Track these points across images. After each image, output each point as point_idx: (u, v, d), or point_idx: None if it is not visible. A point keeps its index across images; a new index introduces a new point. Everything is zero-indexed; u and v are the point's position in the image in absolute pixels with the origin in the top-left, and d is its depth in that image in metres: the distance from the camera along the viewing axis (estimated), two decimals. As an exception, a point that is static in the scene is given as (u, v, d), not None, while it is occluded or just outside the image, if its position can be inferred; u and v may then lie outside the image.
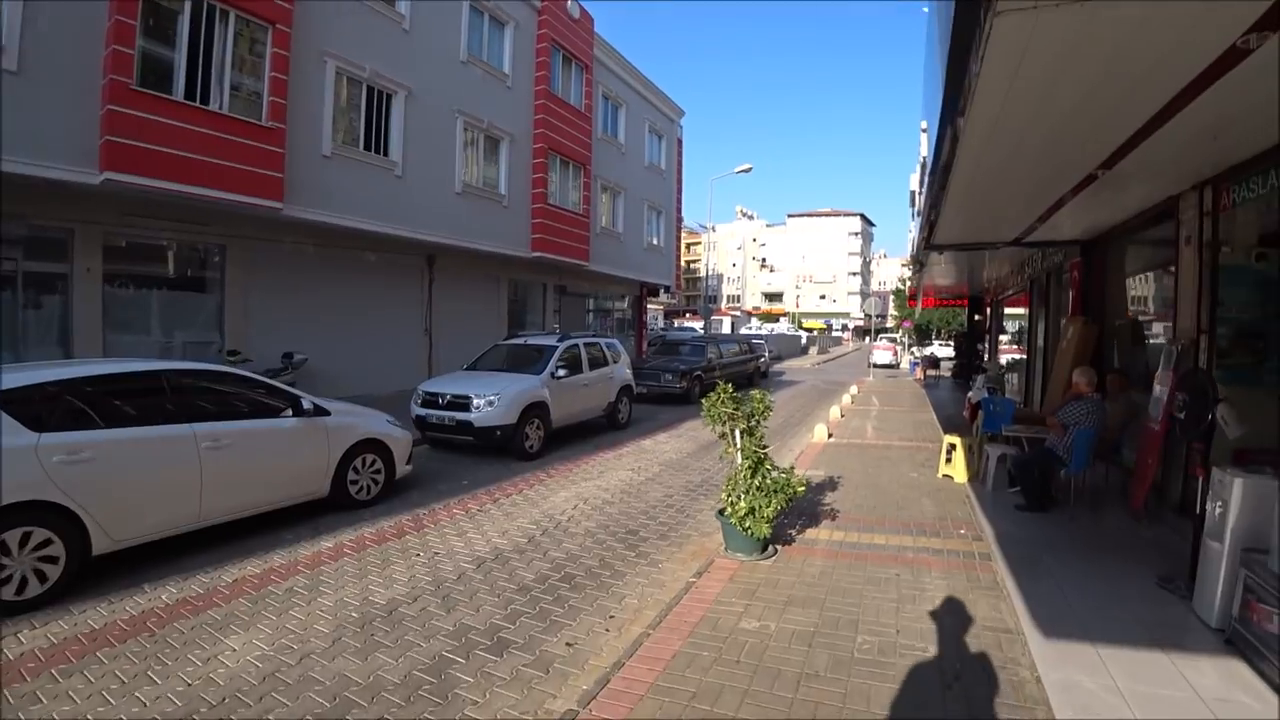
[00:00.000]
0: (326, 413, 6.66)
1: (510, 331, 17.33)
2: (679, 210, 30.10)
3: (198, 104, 10.43)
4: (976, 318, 23.37)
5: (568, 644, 4.11)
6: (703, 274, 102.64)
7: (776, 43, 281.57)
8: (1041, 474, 6.80)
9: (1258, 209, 5.59)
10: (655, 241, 27.67)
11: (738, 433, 5.47)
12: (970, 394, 11.71)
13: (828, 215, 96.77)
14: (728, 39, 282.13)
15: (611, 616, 4.52)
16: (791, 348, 45.09)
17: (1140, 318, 8.75)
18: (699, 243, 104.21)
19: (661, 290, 30.23)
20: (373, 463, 7.14)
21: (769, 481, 5.22)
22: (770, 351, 28.06)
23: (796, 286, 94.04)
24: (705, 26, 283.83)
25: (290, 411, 6.36)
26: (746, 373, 21.46)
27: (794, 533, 6.02)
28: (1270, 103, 4.19)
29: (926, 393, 19.30)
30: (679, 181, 29.88)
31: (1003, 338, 20.24)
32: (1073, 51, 3.34)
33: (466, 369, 11.34)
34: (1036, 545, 5.66)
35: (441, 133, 15.69)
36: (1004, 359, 19.65)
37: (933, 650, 3.86)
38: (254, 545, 5.72)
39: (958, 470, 8.16)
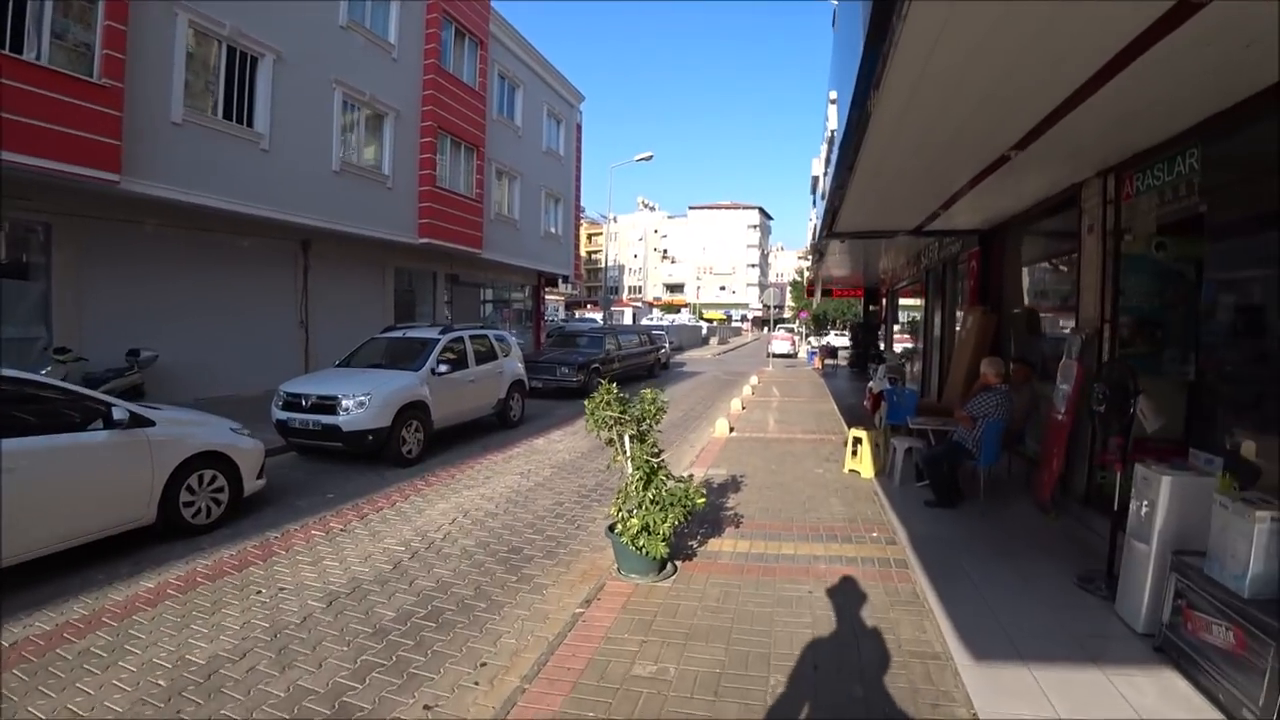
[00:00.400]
0: (149, 423, 5.53)
1: (398, 323, 16.12)
2: (578, 198, 29.31)
3: (7, 51, 8.83)
4: (872, 308, 23.86)
5: (426, 708, 3.32)
6: (604, 265, 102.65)
7: (678, 32, 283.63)
8: (950, 468, 6.57)
9: (1159, 197, 5.47)
10: (553, 230, 26.79)
11: (627, 439, 4.81)
12: (871, 384, 11.63)
13: (728, 208, 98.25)
14: (628, 27, 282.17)
15: (483, 664, 3.75)
16: (693, 338, 45.23)
17: (1037, 307, 8.77)
18: (600, 233, 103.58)
19: (560, 280, 29.42)
20: (213, 480, 6.02)
21: (665, 494, 4.59)
22: (671, 342, 27.81)
23: (697, 278, 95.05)
24: (604, 12, 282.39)
25: (101, 423, 5.27)
26: (647, 364, 21.03)
27: (695, 544, 5.46)
28: (1179, 88, 4.00)
29: (825, 382, 19.45)
30: (578, 169, 29.07)
31: (896, 327, 20.65)
32: (998, 24, 3.14)
33: (338, 366, 10.24)
34: (952, 547, 5.35)
35: (317, 104, 14.20)
36: (898, 348, 20.08)
37: (858, 690, 3.36)
38: (50, 593, 4.55)
39: (864, 465, 7.88)
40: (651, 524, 4.42)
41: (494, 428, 11.44)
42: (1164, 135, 5.11)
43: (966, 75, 3.85)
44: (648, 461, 4.71)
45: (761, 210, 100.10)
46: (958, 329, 10.64)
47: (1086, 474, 6.26)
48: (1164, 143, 5.20)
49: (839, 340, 43.32)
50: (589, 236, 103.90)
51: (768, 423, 11.84)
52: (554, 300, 68.37)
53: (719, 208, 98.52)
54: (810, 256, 15.48)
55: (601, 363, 16.72)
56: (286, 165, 13.27)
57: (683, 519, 4.58)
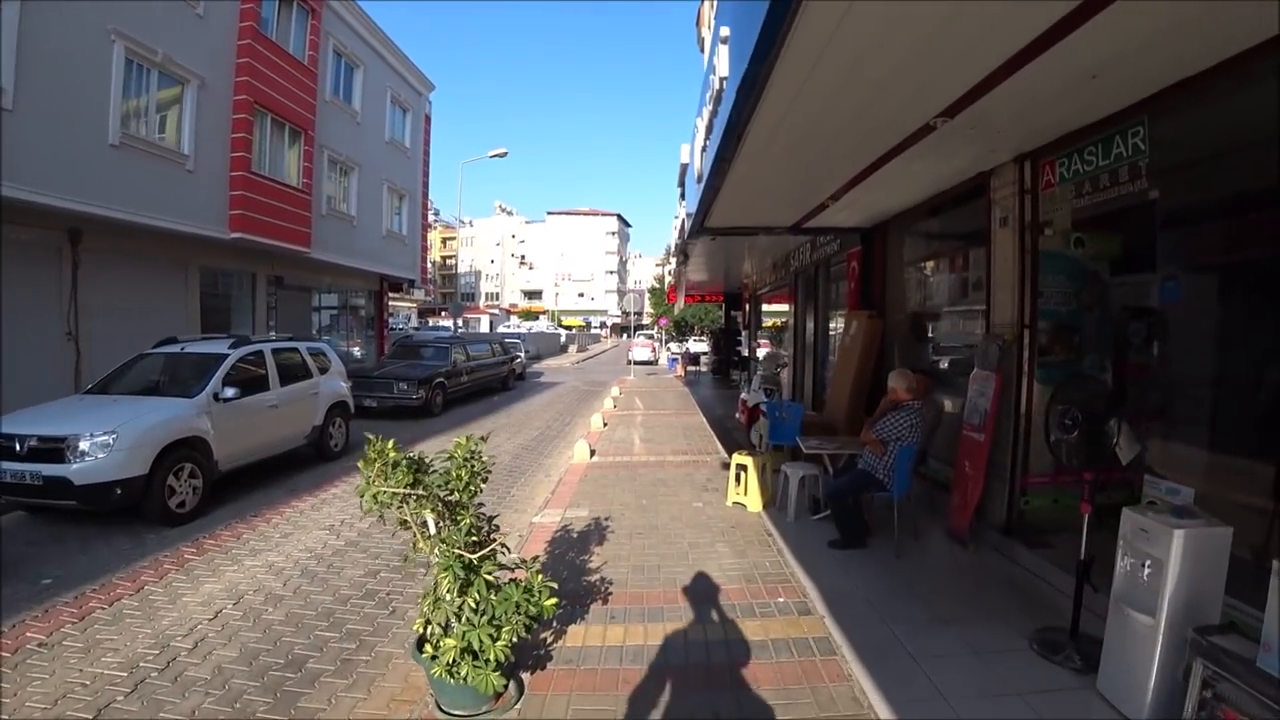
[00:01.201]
0: None
1: (207, 333, 13.42)
2: (426, 196, 26.92)
3: None
4: (734, 314, 23.38)
5: None
6: (455, 270, 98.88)
7: (539, 36, 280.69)
8: (855, 501, 5.51)
9: (1083, 186, 4.65)
10: (398, 229, 24.35)
11: (429, 521, 3.20)
12: (745, 395, 10.66)
13: (587, 214, 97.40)
14: (484, 27, 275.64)
15: None
16: (551, 346, 43.63)
17: (924, 311, 8.05)
18: (455, 238, 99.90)
19: (406, 285, 26.91)
20: None
21: (494, 601, 3.03)
22: (528, 351, 26.08)
23: (556, 284, 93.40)
24: (458, 11, 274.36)
25: None
26: (500, 376, 19.26)
27: (549, 636, 3.98)
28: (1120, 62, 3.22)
29: (690, 391, 18.56)
30: (426, 164, 26.67)
31: (759, 333, 20.18)
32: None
33: (87, 393, 7.86)
34: (877, 608, 4.20)
35: (87, 58, 11.13)
36: (761, 353, 19.55)
37: None
38: None
39: (751, 498, 6.69)
40: (479, 644, 2.85)
41: (310, 461, 9.34)
42: (1102, 113, 4.27)
43: (885, 40, 3.19)
44: (460, 558, 3.05)
45: (620, 217, 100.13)
46: (838, 335, 9.89)
47: (1007, 500, 5.40)
48: (1099, 121, 4.36)
49: (698, 346, 43.35)
50: (444, 241, 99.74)
51: (633, 442, 10.54)
52: (406, 307, 64.63)
53: (578, 214, 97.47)
54: (674, 259, 14.35)
55: (447, 376, 14.81)
56: (42, 132, 10.32)
57: (524, 632, 3.03)
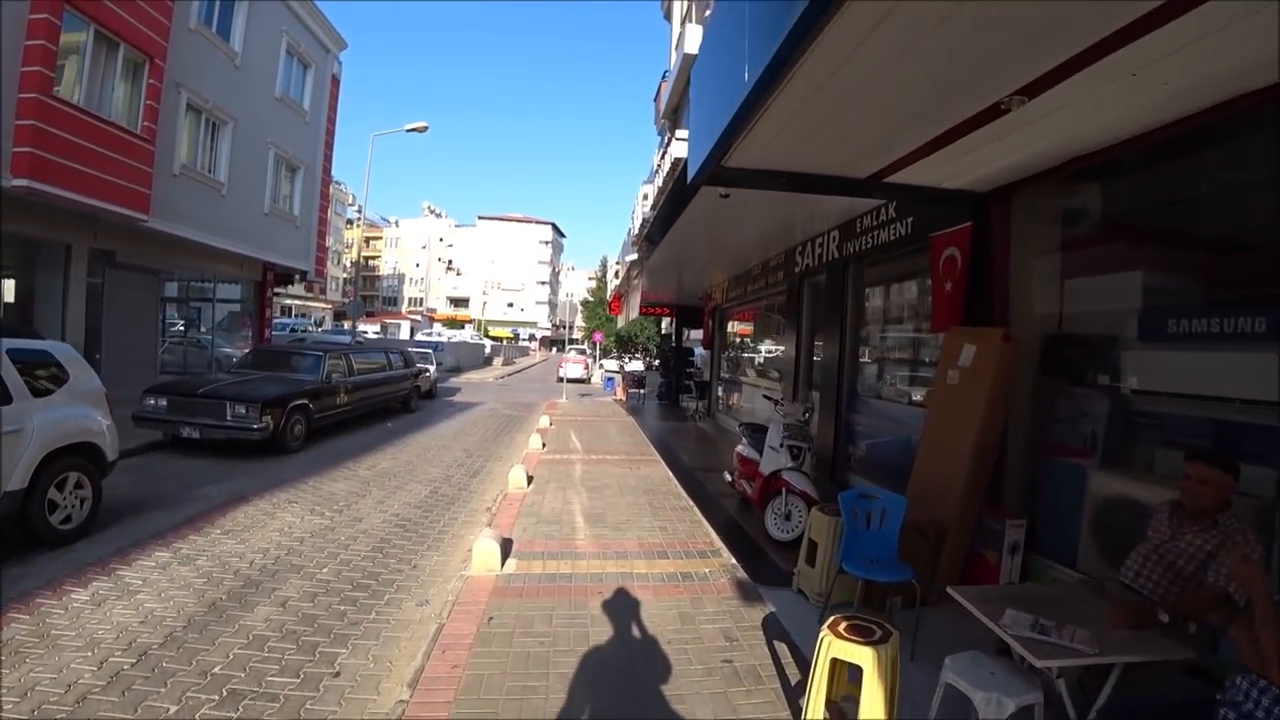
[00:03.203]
0: None
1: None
2: (328, 173, 22.48)
3: None
4: (695, 333, 19.93)
5: None
6: (383, 273, 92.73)
7: (474, 30, 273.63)
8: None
9: None
10: (287, 208, 19.94)
11: None
12: (744, 449, 7.01)
13: (520, 221, 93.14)
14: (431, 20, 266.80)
15: None
16: (474, 358, 39.25)
17: (1081, 334, 4.70)
18: (380, 237, 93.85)
19: (298, 278, 22.35)
20: None
21: None
22: (442, 363, 21.90)
23: (484, 292, 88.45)
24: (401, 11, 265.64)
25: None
26: (400, 395, 15.05)
27: None
28: None
29: (636, 421, 14.85)
30: (330, 135, 22.29)
31: (727, 356, 16.65)
32: None
33: None
34: None
35: None
36: (719, 388, 16.03)
37: None
38: None
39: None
40: None
41: (12, 546, 5.24)
42: None
43: None
44: None
45: (555, 226, 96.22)
46: (882, 363, 6.46)
47: None
48: None
49: (632, 366, 39.88)
50: (367, 240, 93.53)
51: (574, 525, 6.49)
52: (320, 308, 58.78)
53: (511, 220, 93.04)
54: (628, 255, 10.62)
55: (313, 396, 10.65)
56: None
57: None
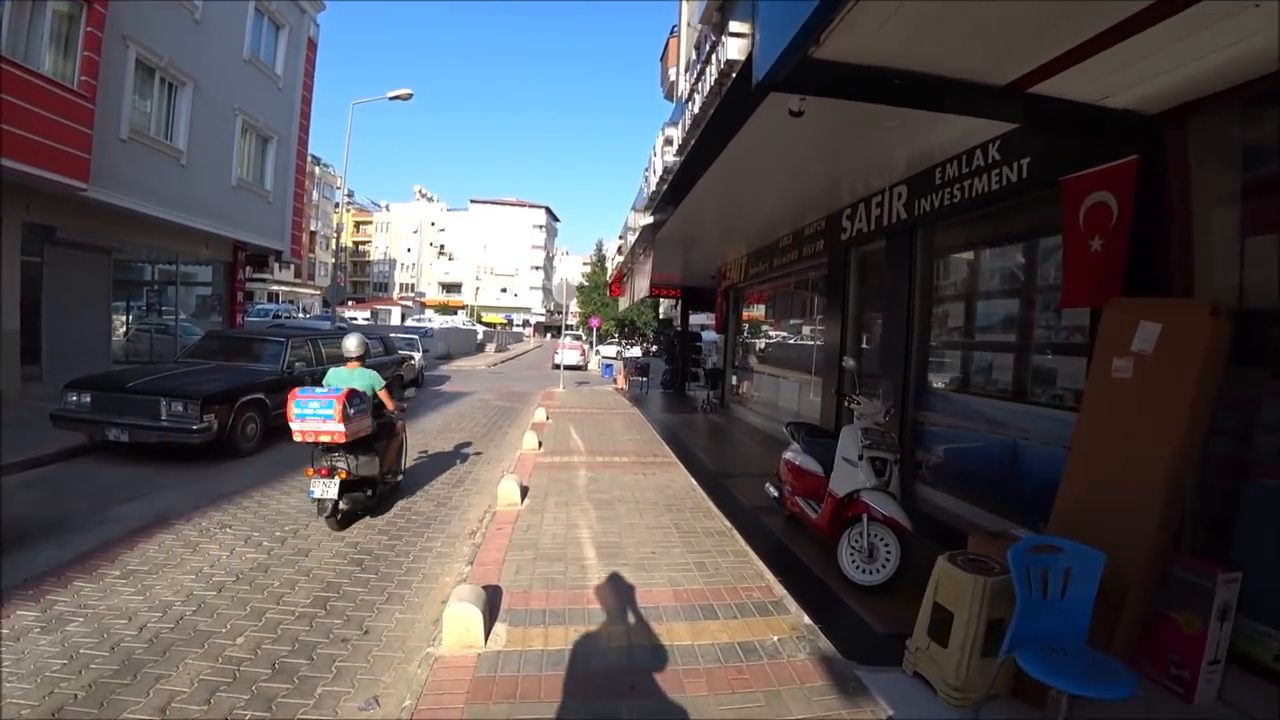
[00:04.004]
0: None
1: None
2: (304, 144, 20.81)
3: None
4: (698, 316, 18.42)
5: None
6: (374, 258, 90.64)
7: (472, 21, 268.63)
8: None
9: None
10: (258, 182, 18.28)
11: None
12: (817, 469, 5.44)
13: (513, 205, 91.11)
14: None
15: None
16: (465, 344, 37.66)
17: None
18: (370, 222, 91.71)
19: (273, 259, 20.73)
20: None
21: None
22: (429, 350, 20.34)
23: (477, 278, 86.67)
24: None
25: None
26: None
27: None
28: None
29: (641, 413, 13.34)
30: (306, 104, 20.61)
31: (747, 342, 15.09)
32: None
33: None
34: None
35: None
36: (710, 362, 14.52)
37: None
38: None
39: None
40: None
41: None
42: None
43: None
44: None
45: (549, 210, 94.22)
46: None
47: None
48: None
49: (630, 352, 38.51)
50: (357, 225, 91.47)
51: (584, 579, 4.73)
52: (309, 295, 56.93)
53: (503, 203, 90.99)
54: (650, 210, 9.00)
55: (272, 389, 9.15)
56: None
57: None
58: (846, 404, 4.80)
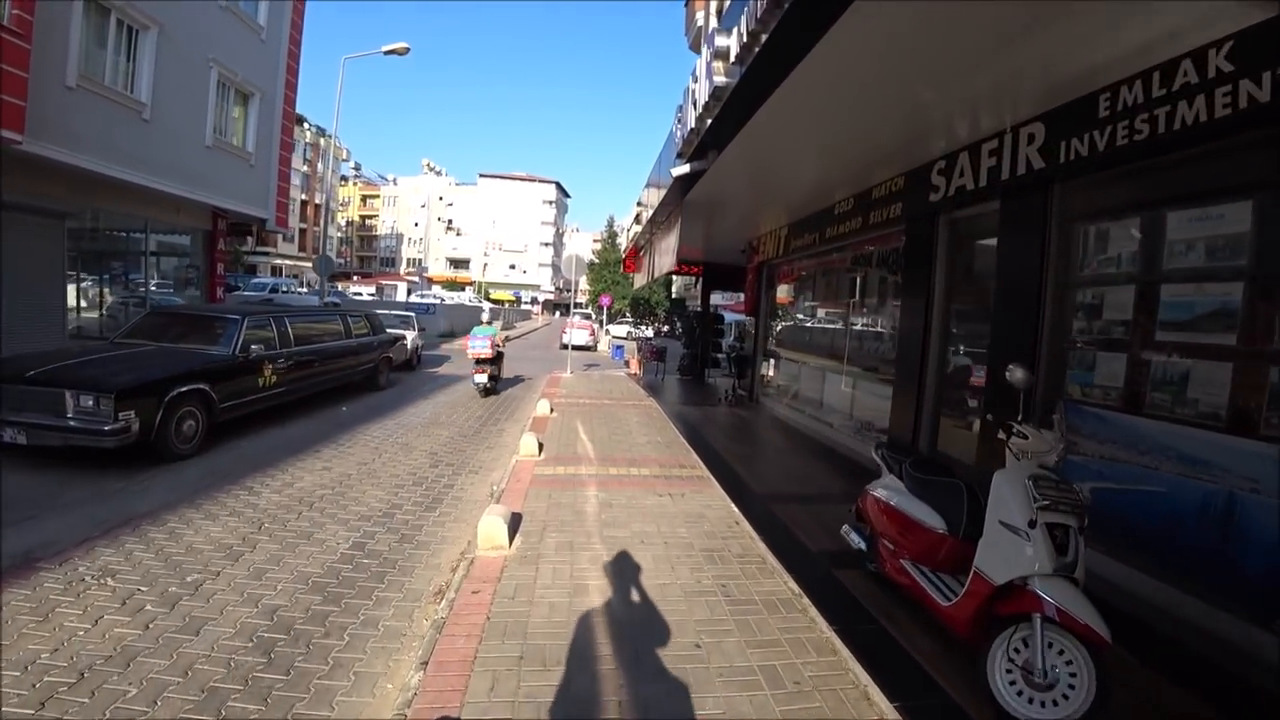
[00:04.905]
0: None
1: None
2: (291, 104, 19.07)
3: None
4: (716, 296, 16.69)
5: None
6: (380, 232, 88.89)
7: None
8: None
9: None
10: (237, 142, 16.61)
11: None
12: (939, 525, 3.76)
13: (523, 180, 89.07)
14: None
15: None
16: (470, 321, 35.98)
17: None
18: (377, 195, 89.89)
19: (258, 228, 19.10)
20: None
21: None
22: (426, 329, 18.74)
23: (485, 254, 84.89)
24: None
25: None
26: (361, 370, 11.87)
27: None
28: None
29: (659, 404, 11.70)
30: (294, 59, 18.90)
31: (778, 327, 13.30)
32: None
33: None
34: None
35: None
36: (771, 364, 12.80)
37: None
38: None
39: None
40: None
41: None
42: None
43: None
44: None
45: (559, 185, 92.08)
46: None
47: None
48: None
49: (640, 334, 36.99)
50: (364, 199, 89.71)
51: (597, 707, 3.48)
52: (307, 267, 55.36)
53: (513, 178, 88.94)
54: (686, 158, 7.19)
55: (218, 377, 7.56)
56: None
57: None
58: (1002, 435, 3.14)
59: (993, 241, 5.51)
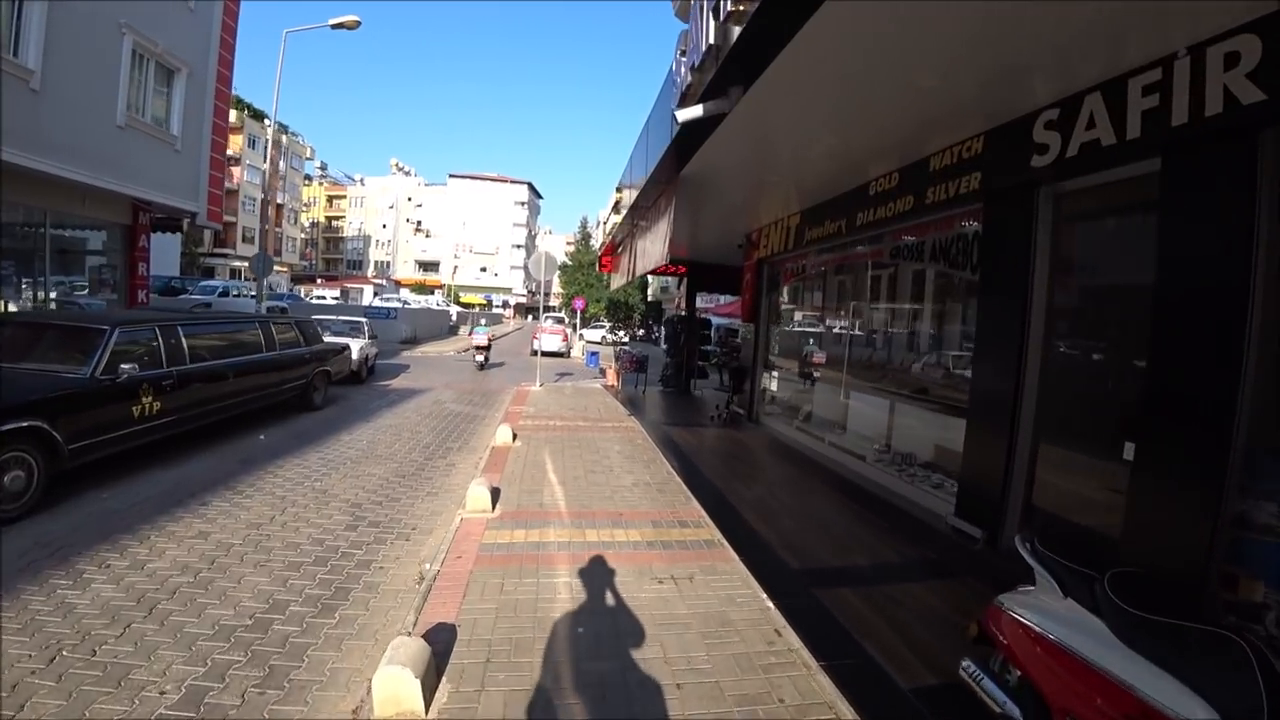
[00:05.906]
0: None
1: None
2: (225, 82, 16.97)
3: None
4: (707, 299, 14.94)
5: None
6: (347, 234, 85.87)
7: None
8: None
9: None
10: (162, 124, 14.56)
11: None
12: (1151, 699, 2.15)
13: (494, 180, 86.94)
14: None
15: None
16: (435, 327, 34.01)
17: None
18: (344, 196, 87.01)
19: (188, 221, 16.97)
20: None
21: None
22: (376, 337, 16.76)
23: (455, 256, 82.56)
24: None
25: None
26: (289, 388, 9.86)
27: None
28: None
29: (642, 425, 9.94)
30: (230, 32, 16.81)
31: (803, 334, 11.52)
32: None
33: None
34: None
35: None
36: (774, 377, 11.03)
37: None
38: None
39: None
40: None
41: None
42: None
43: None
44: None
45: (531, 186, 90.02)
46: None
47: None
48: None
49: (595, 336, 35.42)
50: (330, 200, 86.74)
51: None
52: (276, 272, 52.64)
53: (484, 179, 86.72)
54: (695, 100, 5.35)
55: (66, 407, 5.68)
56: None
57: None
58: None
59: (1119, 221, 3.86)
